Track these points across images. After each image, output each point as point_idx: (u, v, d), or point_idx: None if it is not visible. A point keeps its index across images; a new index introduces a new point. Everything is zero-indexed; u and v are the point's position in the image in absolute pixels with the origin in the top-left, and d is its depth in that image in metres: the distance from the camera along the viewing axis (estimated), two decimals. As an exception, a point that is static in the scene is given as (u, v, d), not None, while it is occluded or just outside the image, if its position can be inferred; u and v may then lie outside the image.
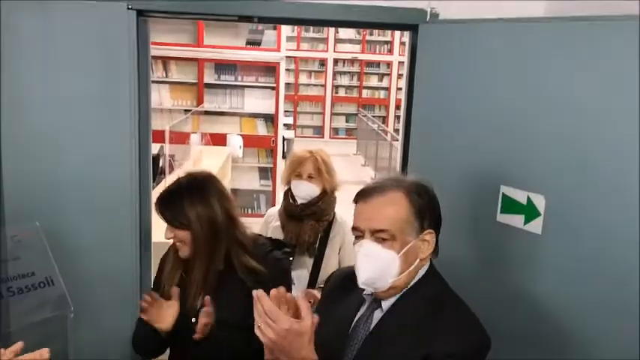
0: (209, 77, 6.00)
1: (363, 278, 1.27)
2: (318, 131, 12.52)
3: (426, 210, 1.30)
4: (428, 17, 2.04)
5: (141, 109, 2.08)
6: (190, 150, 4.87)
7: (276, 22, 3.06)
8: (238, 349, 1.58)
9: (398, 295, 1.30)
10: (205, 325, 1.58)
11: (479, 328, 1.26)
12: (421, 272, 1.32)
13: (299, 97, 12.26)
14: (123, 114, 2.04)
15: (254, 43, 5.99)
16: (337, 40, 12.09)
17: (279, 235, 2.31)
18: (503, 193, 1.80)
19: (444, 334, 1.21)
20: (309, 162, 2.29)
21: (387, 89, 12.38)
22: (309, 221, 2.28)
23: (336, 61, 12.21)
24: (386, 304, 1.31)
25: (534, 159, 1.73)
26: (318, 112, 12.50)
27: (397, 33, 11.64)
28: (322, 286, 2.02)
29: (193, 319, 1.64)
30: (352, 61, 12.27)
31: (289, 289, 1.83)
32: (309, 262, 2.30)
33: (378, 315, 1.31)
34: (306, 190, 2.28)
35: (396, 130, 10.75)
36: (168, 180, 2.91)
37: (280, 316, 1.08)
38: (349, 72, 12.41)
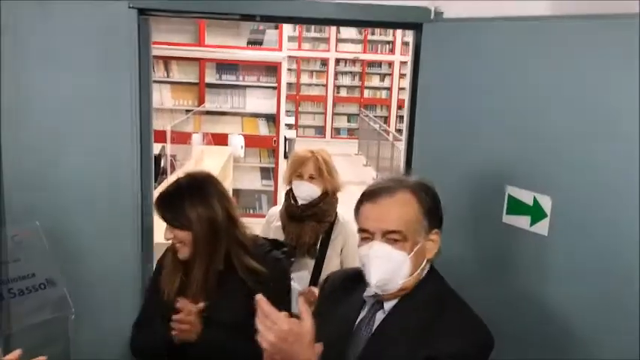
0: (210, 77, 5.99)
1: (375, 280, 1.26)
2: (320, 131, 12.52)
3: (434, 209, 1.31)
4: (432, 16, 2.02)
5: (142, 108, 2.07)
6: (192, 150, 4.86)
7: (278, 21, 3.04)
8: (240, 349, 1.56)
9: (400, 297, 1.30)
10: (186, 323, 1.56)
11: (482, 327, 1.26)
12: (422, 273, 1.32)
13: (300, 97, 12.26)
14: (124, 114, 2.03)
15: (255, 43, 5.98)
16: (339, 40, 12.08)
17: (280, 235, 2.29)
18: (508, 194, 1.79)
19: (447, 334, 1.21)
20: (310, 162, 2.28)
21: (389, 89, 12.37)
22: (310, 222, 2.26)
23: (337, 61, 12.21)
24: (388, 306, 1.31)
25: (540, 159, 1.71)
26: (320, 112, 12.50)
27: (399, 33, 11.65)
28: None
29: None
30: (354, 61, 12.26)
31: (288, 290, 1.83)
32: (311, 263, 2.28)
33: (380, 316, 1.31)
34: (307, 191, 2.26)
35: (398, 130, 10.76)
36: (170, 180, 2.89)
37: (280, 318, 1.07)
38: (351, 72, 12.41)
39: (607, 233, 1.56)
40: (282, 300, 1.56)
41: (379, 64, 12.33)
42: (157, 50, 4.96)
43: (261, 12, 2.06)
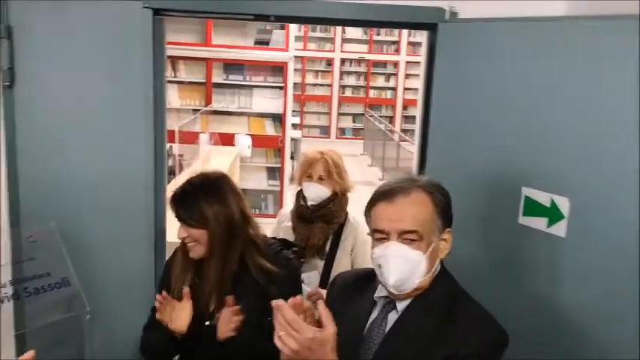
0: (217, 77, 6.00)
1: (393, 280, 1.26)
2: (325, 131, 12.52)
3: (446, 209, 1.31)
4: (447, 16, 2.01)
5: (156, 108, 2.07)
6: (199, 150, 4.87)
7: (293, 21, 3.04)
8: (256, 349, 1.56)
9: (413, 296, 1.30)
10: (235, 323, 1.56)
11: (496, 325, 1.26)
12: (435, 272, 1.32)
13: (305, 97, 12.26)
14: (138, 114, 2.03)
15: (262, 43, 5.98)
16: (344, 40, 12.08)
17: (290, 235, 2.30)
18: (525, 195, 1.78)
19: (461, 334, 1.21)
20: (319, 163, 2.28)
21: (394, 89, 12.35)
22: (319, 224, 2.26)
23: (343, 61, 12.21)
24: (401, 306, 1.30)
25: (557, 160, 1.70)
26: (325, 112, 12.50)
27: (404, 33, 11.63)
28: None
29: (207, 322, 1.63)
30: (359, 61, 12.25)
31: (300, 289, 1.83)
32: (320, 264, 2.29)
33: (392, 317, 1.31)
34: (316, 192, 2.26)
35: (403, 131, 10.76)
36: (179, 180, 2.90)
37: (303, 325, 1.06)
38: (356, 72, 12.40)
39: (625, 235, 1.55)
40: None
41: (384, 64, 12.32)
42: (164, 50, 4.97)
43: (276, 12, 2.06)
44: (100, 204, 2.05)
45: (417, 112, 2.27)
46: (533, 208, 1.75)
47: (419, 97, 2.25)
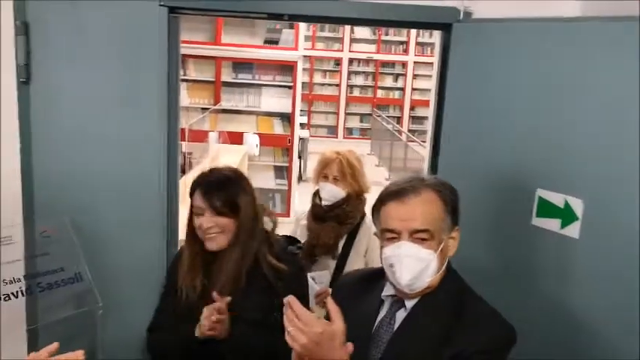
0: (226, 76, 6.02)
1: (406, 280, 1.26)
2: (332, 131, 12.52)
3: (455, 207, 1.32)
4: (461, 16, 2.01)
5: (170, 106, 2.08)
6: (208, 148, 4.89)
7: (306, 20, 3.04)
8: (266, 345, 1.56)
9: (422, 295, 1.31)
10: (218, 322, 1.55)
11: (503, 322, 1.27)
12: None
13: (313, 97, 12.26)
14: (152, 111, 2.04)
15: (272, 42, 5.99)
16: (352, 40, 12.07)
17: (305, 233, 2.34)
18: (539, 196, 1.77)
19: (470, 332, 1.22)
20: (334, 164, 2.30)
21: (402, 89, 12.33)
22: (331, 223, 2.28)
23: (351, 61, 12.20)
24: (410, 304, 1.31)
25: (571, 161, 1.69)
26: (332, 111, 12.50)
27: (413, 33, 11.61)
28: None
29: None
30: (367, 61, 12.25)
31: (305, 285, 1.84)
32: (332, 263, 2.29)
33: (401, 315, 1.32)
34: (331, 192, 2.28)
35: (411, 131, 10.74)
36: (188, 178, 2.91)
37: (312, 320, 1.07)
38: (364, 72, 12.40)
39: (639, 237, 1.54)
40: (301, 296, 1.56)
41: (392, 64, 12.30)
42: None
43: (290, 11, 2.07)
44: (113, 200, 2.06)
45: (430, 112, 2.27)
46: (547, 209, 1.75)
47: (431, 97, 2.24)
